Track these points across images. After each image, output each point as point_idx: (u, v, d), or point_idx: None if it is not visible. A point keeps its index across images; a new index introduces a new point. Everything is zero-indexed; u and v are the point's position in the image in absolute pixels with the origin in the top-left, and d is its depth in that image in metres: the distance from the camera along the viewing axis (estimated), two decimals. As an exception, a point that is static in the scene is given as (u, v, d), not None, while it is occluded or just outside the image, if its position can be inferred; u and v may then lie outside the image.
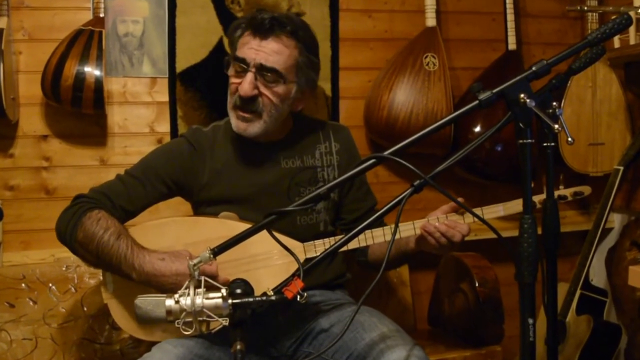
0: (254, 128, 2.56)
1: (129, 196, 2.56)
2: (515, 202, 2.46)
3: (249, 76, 2.49)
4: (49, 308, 3.07)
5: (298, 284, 1.67)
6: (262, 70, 2.49)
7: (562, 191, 2.59)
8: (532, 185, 1.70)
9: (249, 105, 2.52)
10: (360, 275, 3.05)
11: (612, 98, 3.64)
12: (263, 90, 2.52)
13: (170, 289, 2.28)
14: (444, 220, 2.42)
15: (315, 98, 3.51)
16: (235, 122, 2.58)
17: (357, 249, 2.73)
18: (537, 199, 2.33)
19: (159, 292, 2.28)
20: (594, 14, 3.66)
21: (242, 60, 2.51)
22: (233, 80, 2.57)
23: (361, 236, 2.46)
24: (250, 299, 1.65)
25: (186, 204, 2.81)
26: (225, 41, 3.34)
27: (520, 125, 1.66)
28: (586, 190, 2.61)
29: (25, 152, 3.24)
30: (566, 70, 1.85)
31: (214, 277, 2.24)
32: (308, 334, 2.54)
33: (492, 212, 2.48)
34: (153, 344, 2.37)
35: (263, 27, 2.50)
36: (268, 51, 2.49)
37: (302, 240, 2.51)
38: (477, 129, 3.43)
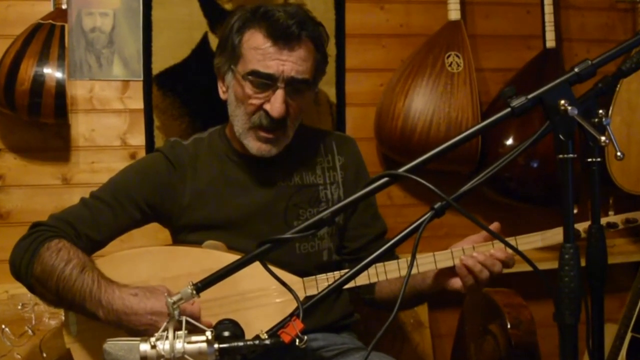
0: (279, 148, 2.61)
1: (95, 223, 2.56)
2: (555, 231, 2.45)
3: (280, 94, 2.50)
4: (1, 354, 3.06)
5: (297, 325, 1.67)
6: (292, 84, 2.52)
7: (611, 218, 2.57)
8: (576, 210, 1.69)
9: (278, 124, 2.55)
10: (371, 315, 3.05)
11: (670, 105, 3.65)
12: (290, 103, 2.55)
13: (143, 331, 2.27)
14: (470, 252, 2.41)
15: (318, 105, 3.52)
16: (256, 144, 2.59)
17: (361, 285, 2.73)
18: (582, 227, 2.33)
19: (130, 335, 2.27)
20: (648, 5, 3.68)
21: (268, 76, 2.50)
22: (253, 98, 2.55)
23: (372, 270, 2.46)
24: (240, 343, 1.65)
25: (164, 231, 2.81)
26: (211, 37, 3.35)
27: (561, 137, 1.66)
28: (641, 217, 2.61)
29: (-27, 169, 3.25)
30: (615, 72, 1.85)
31: (195, 318, 2.24)
32: (308, 384, 2.55)
33: (528, 242, 2.47)
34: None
35: (290, 35, 2.50)
36: (296, 60, 2.51)
37: (302, 271, 2.51)
38: (509, 141, 3.44)
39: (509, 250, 2.38)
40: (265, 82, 2.51)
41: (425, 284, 2.57)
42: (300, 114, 2.65)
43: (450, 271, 2.45)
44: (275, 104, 2.50)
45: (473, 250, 2.41)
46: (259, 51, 2.52)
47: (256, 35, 2.54)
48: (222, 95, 2.69)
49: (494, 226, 2.36)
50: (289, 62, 2.50)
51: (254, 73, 2.52)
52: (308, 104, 2.66)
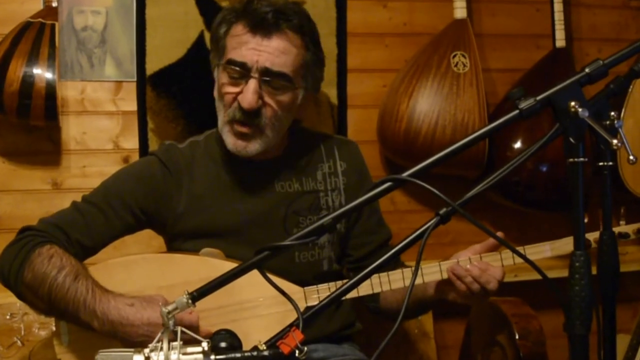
0: (255, 145, 2.56)
1: (87, 228, 2.55)
2: (565, 241, 2.45)
3: (252, 84, 2.48)
4: (-11, 366, 3.06)
5: (297, 335, 1.66)
6: (267, 75, 2.49)
7: (623, 228, 2.57)
8: (586, 219, 1.69)
9: (251, 119, 2.52)
10: (373, 325, 3.04)
11: (684, 106, 3.64)
12: (267, 99, 2.51)
13: (139, 343, 2.26)
14: (476, 262, 2.41)
15: (318, 107, 3.52)
16: (232, 139, 2.57)
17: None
18: (592, 237, 2.33)
19: (125, 345, 2.27)
20: (662, 3, 3.68)
21: (242, 65, 2.49)
22: (228, 89, 2.54)
23: (375, 280, 2.45)
24: (238, 355, 1.65)
25: (158, 238, 2.81)
26: (207, 37, 3.34)
27: (571, 140, 1.66)
28: (655, 226, 2.60)
29: (-40, 174, 3.24)
30: (627, 72, 1.85)
31: (193, 328, 2.23)
32: (308, 397, 2.54)
33: (537, 252, 2.47)
34: (117, 410, 2.37)
35: (265, 23, 2.48)
36: (272, 51, 2.49)
37: (302, 281, 2.51)
38: (518, 145, 3.44)
39: (500, 273, 2.40)
40: (239, 70, 2.49)
41: (428, 293, 2.57)
42: (285, 116, 2.60)
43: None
44: (246, 94, 2.47)
45: (480, 260, 2.42)
46: (236, 39, 2.52)
47: (237, 27, 2.54)
48: (215, 93, 2.68)
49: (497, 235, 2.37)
50: (264, 53, 2.48)
51: (229, 61, 2.51)
52: (293, 105, 2.59)
